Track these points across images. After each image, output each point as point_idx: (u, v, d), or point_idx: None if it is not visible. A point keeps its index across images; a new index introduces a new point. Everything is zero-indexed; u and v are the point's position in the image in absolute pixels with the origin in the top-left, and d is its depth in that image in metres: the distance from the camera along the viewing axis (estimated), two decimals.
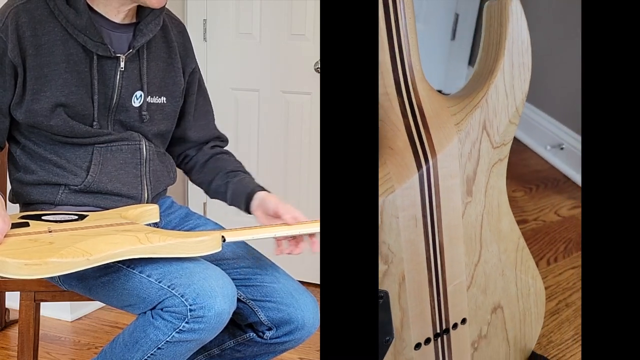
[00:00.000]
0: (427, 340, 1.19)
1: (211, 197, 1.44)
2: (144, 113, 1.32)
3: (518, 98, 1.16)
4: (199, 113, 1.45)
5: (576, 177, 2.65)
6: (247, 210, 1.35)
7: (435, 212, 1.11)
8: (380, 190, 1.05)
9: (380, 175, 1.05)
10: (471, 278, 1.21)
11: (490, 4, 1.15)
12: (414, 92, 1.07)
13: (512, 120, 1.16)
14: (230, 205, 1.40)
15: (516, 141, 2.98)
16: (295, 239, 1.27)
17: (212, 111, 1.49)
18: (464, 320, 1.23)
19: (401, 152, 1.07)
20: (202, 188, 1.46)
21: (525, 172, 2.77)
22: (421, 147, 1.08)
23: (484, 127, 1.13)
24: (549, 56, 2.69)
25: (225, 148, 1.49)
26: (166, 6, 1.32)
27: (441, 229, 1.12)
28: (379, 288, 1.09)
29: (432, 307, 1.17)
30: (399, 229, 1.08)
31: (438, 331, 1.20)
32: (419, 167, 1.07)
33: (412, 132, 1.07)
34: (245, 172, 1.42)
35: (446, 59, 3.36)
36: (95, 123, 1.27)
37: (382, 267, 1.08)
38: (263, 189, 1.35)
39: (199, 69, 1.45)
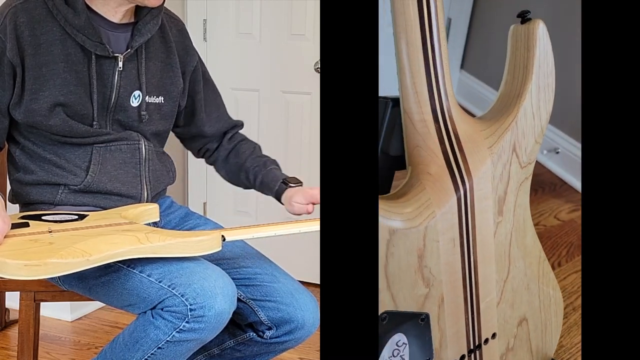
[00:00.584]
0: (462, 357, 1.21)
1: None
2: (143, 113, 1.32)
3: (543, 118, 1.19)
4: (211, 107, 1.46)
5: (572, 180, 2.65)
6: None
7: (471, 233, 1.13)
8: (423, 216, 1.07)
9: (421, 201, 1.08)
10: (501, 294, 1.23)
11: (516, 28, 1.18)
12: (449, 118, 1.10)
13: (537, 140, 1.19)
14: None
15: None
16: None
17: (222, 101, 1.51)
18: (494, 335, 1.25)
19: (439, 177, 1.09)
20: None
21: None
22: (458, 171, 1.10)
23: (513, 149, 1.16)
24: None
25: (241, 133, 1.53)
26: (166, 6, 1.32)
27: (476, 249, 1.15)
28: (421, 311, 1.11)
29: (467, 325, 1.19)
30: (439, 253, 1.10)
31: (471, 347, 1.22)
32: (457, 190, 1.10)
33: (449, 157, 1.10)
34: (262, 157, 1.46)
35: None
36: (95, 123, 1.27)
37: (423, 290, 1.10)
38: (285, 184, 1.41)
39: (203, 64, 1.45)
